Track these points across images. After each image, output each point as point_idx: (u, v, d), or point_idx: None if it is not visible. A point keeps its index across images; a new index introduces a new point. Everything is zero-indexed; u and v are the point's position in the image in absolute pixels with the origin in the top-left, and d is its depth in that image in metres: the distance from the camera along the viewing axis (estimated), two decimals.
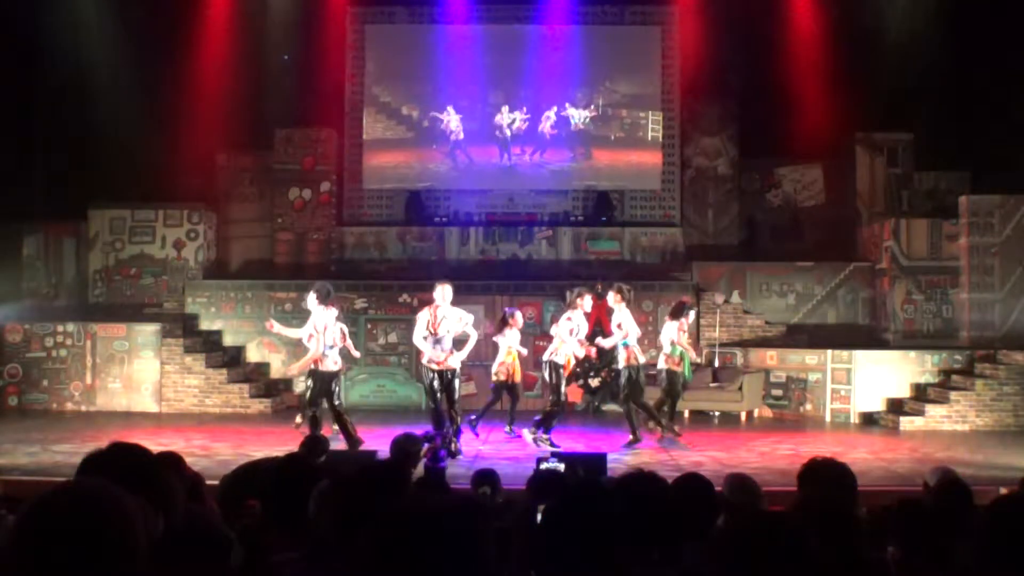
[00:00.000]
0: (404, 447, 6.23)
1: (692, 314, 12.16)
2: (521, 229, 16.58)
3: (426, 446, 6.63)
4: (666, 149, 17.12)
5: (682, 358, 11.46)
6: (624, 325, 11.00)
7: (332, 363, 10.46)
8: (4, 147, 15.23)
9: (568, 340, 10.95)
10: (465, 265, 16.14)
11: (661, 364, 11.60)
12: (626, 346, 11.02)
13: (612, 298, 11.23)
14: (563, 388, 11.00)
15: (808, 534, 2.41)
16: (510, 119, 17.17)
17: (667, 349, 11.50)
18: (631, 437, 10.95)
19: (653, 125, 17.19)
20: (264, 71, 16.44)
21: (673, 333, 11.44)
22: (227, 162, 17.12)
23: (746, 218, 17.10)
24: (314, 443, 6.82)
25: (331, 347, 10.44)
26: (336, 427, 10.66)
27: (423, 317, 10.65)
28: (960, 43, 14.80)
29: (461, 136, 17.19)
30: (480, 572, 2.02)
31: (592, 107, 17.22)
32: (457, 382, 10.72)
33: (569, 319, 11.06)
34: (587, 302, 11.13)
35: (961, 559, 3.33)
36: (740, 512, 3.72)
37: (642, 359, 11.18)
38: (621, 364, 11.10)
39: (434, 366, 10.55)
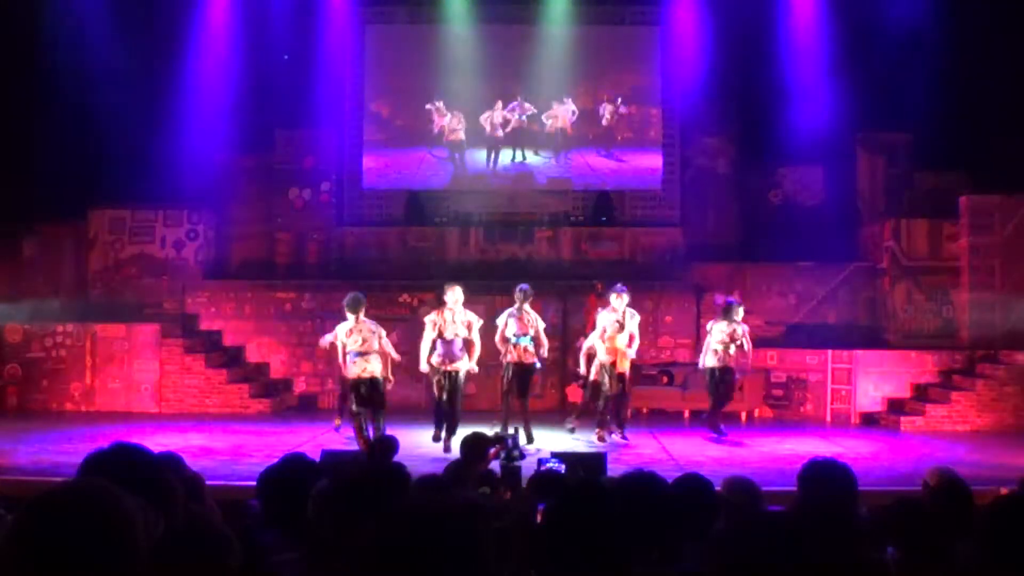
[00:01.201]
0: (474, 447, 6.18)
1: (741, 310, 12.12)
2: (521, 229, 16.57)
3: (495, 447, 6.59)
4: (666, 149, 17.11)
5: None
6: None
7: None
8: (4, 147, 15.23)
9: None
10: (465, 265, 16.12)
11: (712, 362, 11.81)
12: (516, 345, 11.25)
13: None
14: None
15: (808, 534, 2.41)
16: (510, 119, 17.16)
17: (717, 348, 11.74)
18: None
19: (653, 125, 17.19)
20: (264, 71, 16.43)
21: (723, 332, 11.71)
22: (227, 162, 17.10)
23: (746, 218, 17.08)
24: (379, 446, 6.66)
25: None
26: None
27: (430, 320, 10.79)
28: (960, 43, 14.80)
29: (462, 136, 17.18)
30: (480, 572, 2.01)
31: (592, 107, 17.21)
32: (462, 383, 10.86)
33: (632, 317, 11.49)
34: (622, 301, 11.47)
35: (961, 559, 3.33)
36: (739, 513, 3.72)
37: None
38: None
39: (441, 367, 10.69)
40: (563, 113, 17.17)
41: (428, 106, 17.15)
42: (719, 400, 11.96)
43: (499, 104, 17.17)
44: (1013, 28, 14.30)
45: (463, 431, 10.84)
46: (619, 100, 17.17)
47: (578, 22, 17.18)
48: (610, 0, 17.27)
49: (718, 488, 4.07)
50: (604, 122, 17.14)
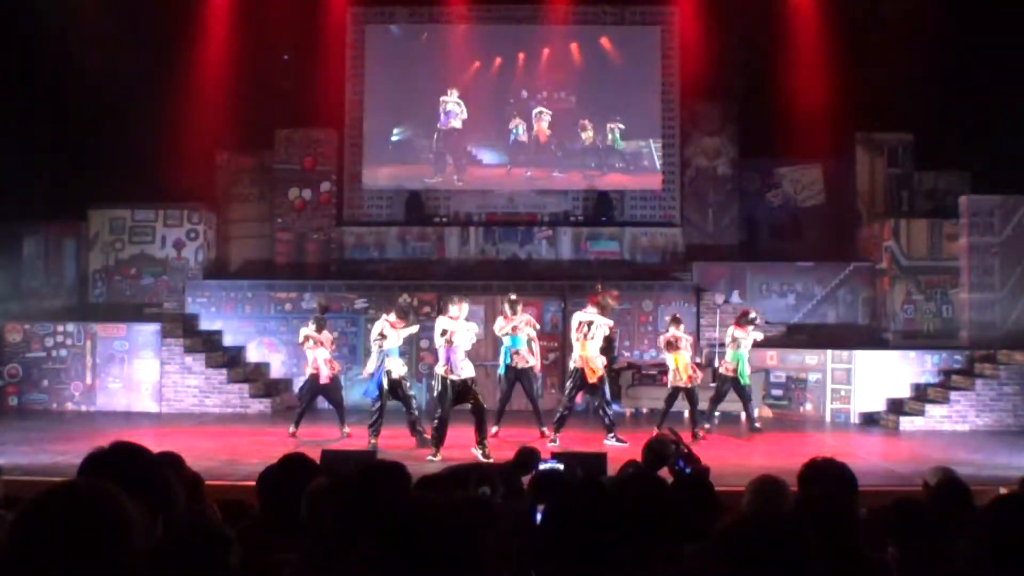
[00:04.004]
0: (657, 451, 6.09)
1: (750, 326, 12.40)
2: (521, 229, 16.57)
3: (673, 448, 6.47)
4: (666, 149, 17.11)
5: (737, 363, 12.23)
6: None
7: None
8: (4, 147, 15.21)
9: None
10: (465, 265, 16.14)
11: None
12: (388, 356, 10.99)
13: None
14: None
15: (808, 534, 2.41)
16: (508, 117, 17.16)
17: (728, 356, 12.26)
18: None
19: (653, 125, 17.18)
20: (264, 71, 16.43)
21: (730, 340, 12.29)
22: (227, 162, 17.11)
23: (746, 218, 17.09)
24: (528, 456, 6.53)
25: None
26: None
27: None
28: (960, 43, 14.79)
29: (461, 136, 17.17)
30: (480, 572, 2.01)
31: (592, 106, 17.20)
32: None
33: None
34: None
35: (961, 559, 3.33)
36: (742, 513, 3.71)
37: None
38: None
39: (452, 376, 10.40)
40: (562, 112, 17.17)
41: (428, 109, 17.13)
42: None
43: (499, 103, 17.17)
44: (1014, 28, 14.29)
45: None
46: (618, 100, 17.15)
47: (579, 22, 17.20)
48: (611, 0, 17.27)
49: (719, 488, 4.06)
50: (603, 121, 17.11)
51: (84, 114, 15.66)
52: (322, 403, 12.56)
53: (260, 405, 14.36)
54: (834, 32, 15.95)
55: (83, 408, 14.42)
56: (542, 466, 6.94)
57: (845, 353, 14.11)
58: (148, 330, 14.70)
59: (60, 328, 14.70)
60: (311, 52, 16.79)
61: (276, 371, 15.30)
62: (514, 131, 17.15)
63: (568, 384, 11.57)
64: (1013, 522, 2.65)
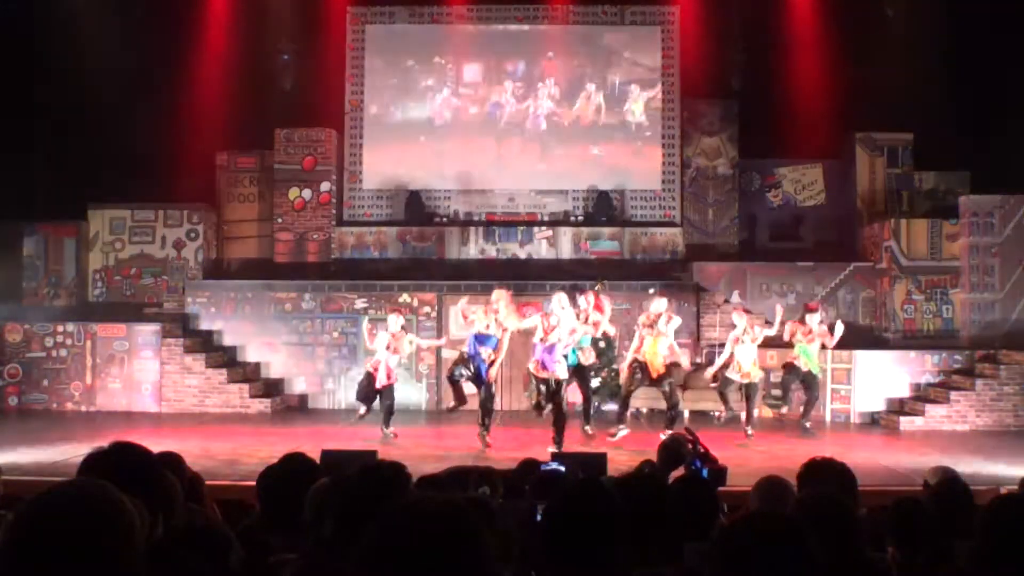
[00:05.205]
0: (673, 450, 6.05)
1: (815, 317, 12.49)
2: (521, 229, 16.57)
3: (689, 447, 6.43)
4: (666, 149, 17.11)
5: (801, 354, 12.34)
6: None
7: None
8: (4, 147, 15.22)
9: None
10: (465, 265, 16.14)
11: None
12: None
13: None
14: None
15: (808, 534, 2.40)
16: (509, 117, 17.15)
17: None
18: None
19: (653, 125, 17.18)
20: (264, 71, 16.43)
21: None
22: (227, 162, 17.11)
23: (746, 218, 17.09)
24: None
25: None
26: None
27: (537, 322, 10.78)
28: (960, 43, 14.80)
29: (461, 136, 17.17)
30: (480, 572, 2.01)
31: (592, 107, 17.21)
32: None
33: None
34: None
35: (961, 559, 3.33)
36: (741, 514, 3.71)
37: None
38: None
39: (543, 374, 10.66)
40: (563, 112, 17.16)
41: (429, 108, 17.13)
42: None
43: (499, 102, 17.18)
44: (1013, 28, 14.29)
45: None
46: (618, 100, 17.16)
47: (579, 22, 17.20)
48: (611, 0, 17.27)
49: (720, 488, 4.06)
50: (603, 122, 17.12)
51: (84, 114, 15.65)
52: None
53: (260, 405, 14.35)
54: (834, 32, 15.95)
55: (83, 408, 14.42)
56: (543, 467, 6.93)
57: (845, 353, 14.10)
58: (148, 330, 14.70)
59: (60, 328, 14.69)
60: (311, 52, 16.80)
61: (276, 371, 15.29)
62: (515, 131, 17.16)
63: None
64: (1013, 522, 2.65)
